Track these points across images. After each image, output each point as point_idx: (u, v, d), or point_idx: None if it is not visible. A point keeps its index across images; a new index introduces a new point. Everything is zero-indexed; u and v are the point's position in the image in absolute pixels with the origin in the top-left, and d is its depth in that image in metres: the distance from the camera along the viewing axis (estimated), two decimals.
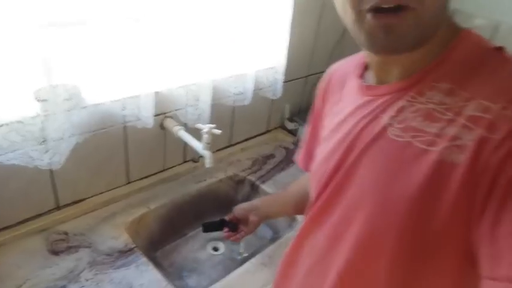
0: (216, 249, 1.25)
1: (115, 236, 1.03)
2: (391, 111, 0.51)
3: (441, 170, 0.44)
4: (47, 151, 0.90)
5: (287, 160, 1.46)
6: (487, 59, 0.47)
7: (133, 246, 1.01)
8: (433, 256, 0.47)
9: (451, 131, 0.44)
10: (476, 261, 0.42)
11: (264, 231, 1.32)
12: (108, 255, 0.97)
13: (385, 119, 0.51)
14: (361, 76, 0.61)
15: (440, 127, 0.46)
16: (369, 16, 0.45)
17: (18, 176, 0.93)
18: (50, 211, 1.04)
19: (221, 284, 0.95)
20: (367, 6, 0.45)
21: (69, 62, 0.90)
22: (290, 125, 1.64)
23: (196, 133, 1.09)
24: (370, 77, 0.58)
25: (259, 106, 1.49)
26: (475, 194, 0.42)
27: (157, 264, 1.08)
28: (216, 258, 1.23)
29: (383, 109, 0.52)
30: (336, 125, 0.60)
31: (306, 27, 1.51)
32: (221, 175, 1.35)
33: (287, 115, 1.65)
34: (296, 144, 1.53)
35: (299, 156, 0.82)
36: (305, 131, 0.79)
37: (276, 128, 1.66)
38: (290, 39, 1.33)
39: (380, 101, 0.53)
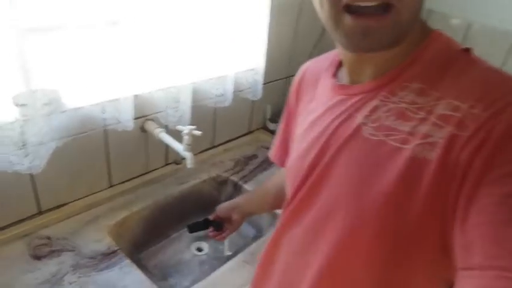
0: (200, 249, 1.26)
1: (98, 239, 1.03)
2: (364, 111, 0.52)
3: (414, 166, 0.45)
4: (26, 155, 0.90)
5: (269, 160, 1.45)
6: (456, 60, 0.49)
7: (116, 248, 1.01)
8: (410, 250, 0.49)
9: (423, 129, 0.46)
10: (453, 256, 0.43)
11: (247, 230, 1.34)
12: (91, 258, 0.97)
13: (359, 118, 0.52)
14: (335, 75, 0.62)
15: (413, 126, 0.47)
16: (347, 18, 0.46)
17: None
18: (32, 216, 1.04)
19: (204, 282, 0.96)
20: (343, 2, 0.46)
21: (48, 66, 0.90)
22: (272, 126, 1.66)
23: (178, 135, 1.10)
24: (344, 75, 0.59)
25: (241, 108, 1.51)
26: (447, 189, 0.43)
27: (142, 265, 1.09)
28: (200, 258, 1.24)
29: (357, 108, 0.53)
30: (310, 123, 0.61)
31: (284, 28, 1.52)
32: (204, 176, 1.36)
33: (269, 116, 1.67)
34: None
35: (273, 152, 0.83)
36: (278, 127, 0.80)
37: (258, 129, 1.68)
38: (269, 41, 1.35)
39: (353, 100, 0.54)
